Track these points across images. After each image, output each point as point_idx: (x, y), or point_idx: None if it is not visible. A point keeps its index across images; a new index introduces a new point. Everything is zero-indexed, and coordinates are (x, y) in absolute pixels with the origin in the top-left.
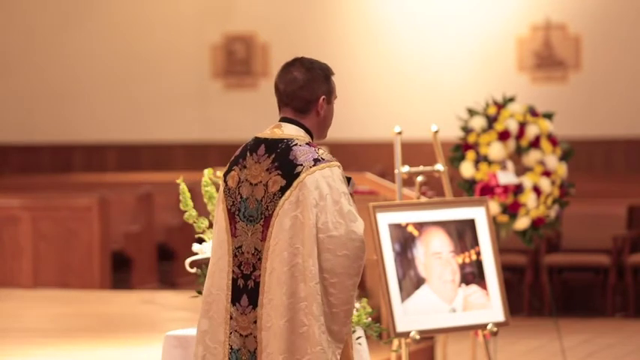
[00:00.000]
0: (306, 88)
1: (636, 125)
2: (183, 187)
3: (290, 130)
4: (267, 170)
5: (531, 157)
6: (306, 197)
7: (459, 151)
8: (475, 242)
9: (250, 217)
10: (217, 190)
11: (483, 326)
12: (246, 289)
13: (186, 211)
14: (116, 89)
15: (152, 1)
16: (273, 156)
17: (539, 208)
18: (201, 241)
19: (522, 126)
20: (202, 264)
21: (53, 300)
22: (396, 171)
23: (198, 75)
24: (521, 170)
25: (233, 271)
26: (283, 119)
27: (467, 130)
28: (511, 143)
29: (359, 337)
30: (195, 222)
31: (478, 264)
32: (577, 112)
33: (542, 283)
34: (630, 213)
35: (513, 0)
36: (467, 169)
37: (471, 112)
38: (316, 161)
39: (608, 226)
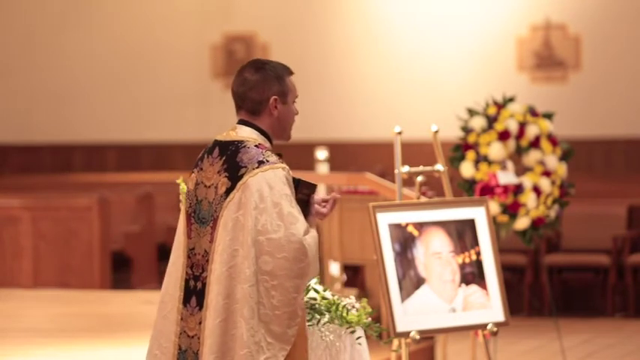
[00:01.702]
0: (255, 90)
1: (636, 125)
2: (183, 187)
3: (244, 132)
4: (218, 172)
5: (531, 157)
6: (248, 199)
7: (459, 151)
8: (475, 242)
9: (203, 219)
10: None
11: (483, 326)
12: (195, 291)
13: None
14: (116, 89)
15: (152, 1)
16: (224, 158)
17: (539, 208)
18: None
19: (522, 126)
20: None
21: (53, 300)
22: (396, 171)
23: (198, 75)
24: (521, 170)
25: (186, 273)
26: (240, 121)
27: (467, 130)
28: (511, 143)
29: (359, 337)
30: None
31: (478, 264)
32: (577, 112)
33: (542, 283)
34: (630, 213)
35: (513, 0)
36: (467, 169)
37: (471, 112)
38: (260, 163)
39: (608, 226)
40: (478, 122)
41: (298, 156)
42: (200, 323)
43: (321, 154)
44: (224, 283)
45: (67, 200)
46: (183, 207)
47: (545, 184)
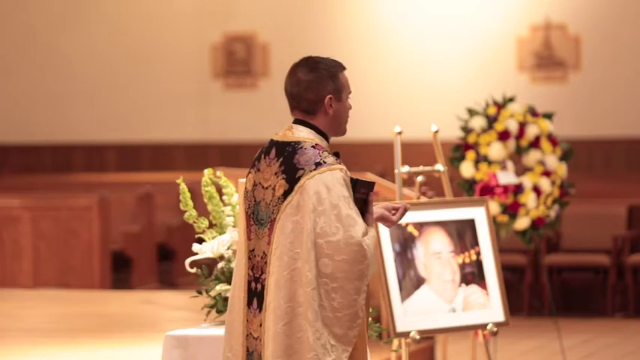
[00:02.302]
0: (310, 90)
1: (636, 125)
2: (183, 187)
3: (300, 133)
4: (275, 174)
5: (531, 157)
6: (306, 202)
7: (458, 151)
8: (475, 242)
9: (261, 220)
10: (217, 190)
11: (483, 326)
12: (256, 292)
13: (186, 211)
14: (116, 89)
15: (152, 1)
16: (281, 159)
17: (539, 208)
18: (201, 241)
19: (522, 126)
20: (202, 264)
21: (53, 300)
22: (396, 171)
23: (198, 75)
24: (521, 170)
25: (247, 274)
26: (295, 121)
27: (467, 130)
28: (511, 143)
29: None
30: (195, 222)
31: (478, 264)
32: (577, 112)
33: (542, 283)
34: (630, 213)
35: (513, 0)
36: (467, 169)
37: (471, 112)
38: (317, 165)
39: (608, 226)
40: (478, 122)
41: None
42: (261, 325)
43: None
44: (286, 287)
45: (67, 200)
46: (241, 208)
47: (545, 184)
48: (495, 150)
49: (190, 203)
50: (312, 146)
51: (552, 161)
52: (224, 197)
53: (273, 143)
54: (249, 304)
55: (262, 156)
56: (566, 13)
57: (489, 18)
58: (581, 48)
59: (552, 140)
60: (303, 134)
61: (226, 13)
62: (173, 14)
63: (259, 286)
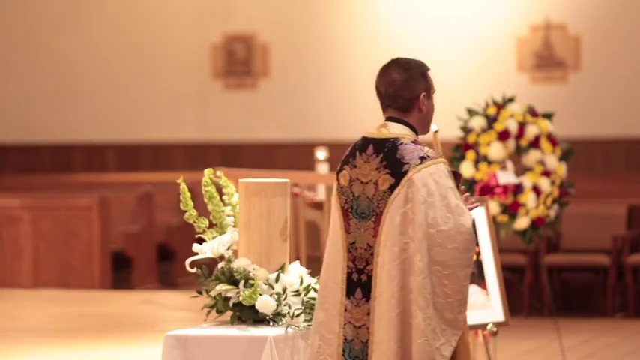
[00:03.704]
0: (406, 88)
1: (636, 125)
2: (183, 187)
3: (396, 129)
4: (376, 169)
5: (531, 157)
6: (414, 195)
7: (458, 151)
8: (475, 242)
9: (362, 214)
10: (217, 190)
11: (483, 326)
12: (359, 283)
13: (186, 211)
14: (116, 89)
15: (152, 1)
16: (381, 155)
17: (538, 208)
18: (201, 241)
19: (522, 126)
20: (202, 264)
21: (53, 300)
22: None
23: (198, 75)
24: (521, 170)
25: (347, 266)
26: (388, 119)
27: (467, 130)
28: (511, 143)
29: None
30: (195, 222)
31: (478, 264)
32: (577, 112)
33: (542, 283)
34: (630, 213)
35: (513, 0)
36: (467, 169)
37: (471, 112)
38: (422, 159)
39: (608, 226)
40: (478, 122)
41: (298, 156)
42: (368, 314)
43: (321, 154)
44: (399, 276)
45: (67, 200)
46: (336, 202)
47: (544, 184)
48: (495, 150)
49: (190, 203)
50: (412, 142)
51: (552, 161)
52: (224, 197)
53: (368, 141)
54: (350, 294)
55: (357, 153)
56: (566, 13)
57: (489, 18)
58: (581, 48)
59: (552, 140)
60: (399, 130)
61: (226, 13)
62: (173, 14)
63: (364, 277)
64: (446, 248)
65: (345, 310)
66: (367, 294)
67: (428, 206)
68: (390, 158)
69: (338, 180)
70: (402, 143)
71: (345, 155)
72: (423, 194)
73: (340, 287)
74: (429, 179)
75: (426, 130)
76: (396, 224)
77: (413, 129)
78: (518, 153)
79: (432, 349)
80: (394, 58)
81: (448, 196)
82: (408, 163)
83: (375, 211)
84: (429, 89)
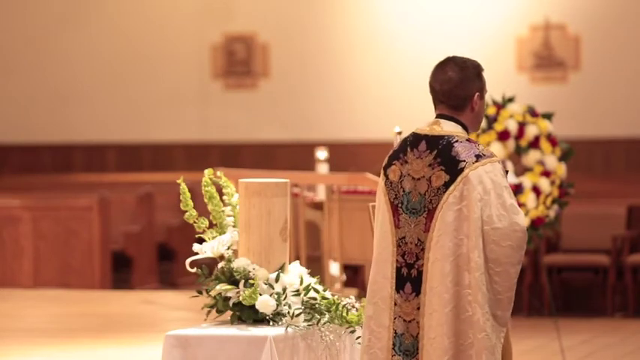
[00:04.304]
0: (461, 87)
1: (636, 125)
2: (183, 187)
3: (448, 127)
4: (429, 166)
5: (531, 157)
6: (471, 192)
7: None
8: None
9: (413, 209)
10: (217, 190)
11: None
12: (409, 278)
13: (186, 211)
14: (116, 89)
15: (152, 1)
16: (435, 152)
17: (538, 208)
18: (201, 241)
19: (522, 126)
20: (202, 264)
21: (53, 300)
22: None
23: (198, 75)
24: (521, 170)
25: (397, 261)
26: (440, 116)
27: None
28: (510, 143)
29: (359, 337)
30: (195, 222)
31: None
32: (576, 112)
33: (542, 283)
34: (630, 213)
35: (513, 0)
36: None
37: None
38: (478, 157)
39: (608, 226)
40: None
41: (298, 156)
42: (418, 308)
43: (321, 154)
44: (453, 272)
45: (67, 200)
46: (385, 197)
47: (544, 184)
48: (495, 150)
49: (190, 203)
50: (467, 139)
51: (552, 161)
52: (224, 197)
53: (420, 137)
54: (399, 288)
55: (408, 149)
56: (565, 13)
57: (489, 18)
58: (581, 48)
59: (552, 140)
60: (451, 128)
61: (226, 13)
62: (173, 14)
63: (414, 272)
64: (500, 246)
65: (395, 304)
66: (417, 289)
67: (484, 204)
68: (444, 155)
69: (386, 175)
70: (456, 141)
71: (394, 150)
72: (479, 192)
73: (390, 282)
74: (485, 177)
75: (476, 129)
76: (449, 221)
77: (464, 127)
78: (518, 153)
79: (491, 343)
80: (450, 56)
81: (504, 195)
82: (464, 161)
83: (427, 207)
84: (482, 89)
